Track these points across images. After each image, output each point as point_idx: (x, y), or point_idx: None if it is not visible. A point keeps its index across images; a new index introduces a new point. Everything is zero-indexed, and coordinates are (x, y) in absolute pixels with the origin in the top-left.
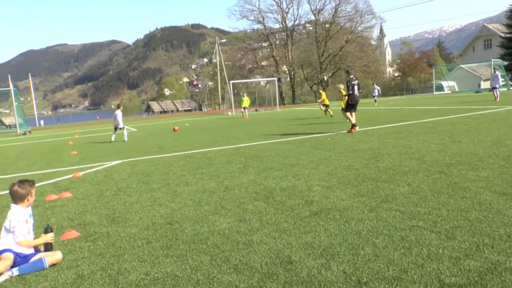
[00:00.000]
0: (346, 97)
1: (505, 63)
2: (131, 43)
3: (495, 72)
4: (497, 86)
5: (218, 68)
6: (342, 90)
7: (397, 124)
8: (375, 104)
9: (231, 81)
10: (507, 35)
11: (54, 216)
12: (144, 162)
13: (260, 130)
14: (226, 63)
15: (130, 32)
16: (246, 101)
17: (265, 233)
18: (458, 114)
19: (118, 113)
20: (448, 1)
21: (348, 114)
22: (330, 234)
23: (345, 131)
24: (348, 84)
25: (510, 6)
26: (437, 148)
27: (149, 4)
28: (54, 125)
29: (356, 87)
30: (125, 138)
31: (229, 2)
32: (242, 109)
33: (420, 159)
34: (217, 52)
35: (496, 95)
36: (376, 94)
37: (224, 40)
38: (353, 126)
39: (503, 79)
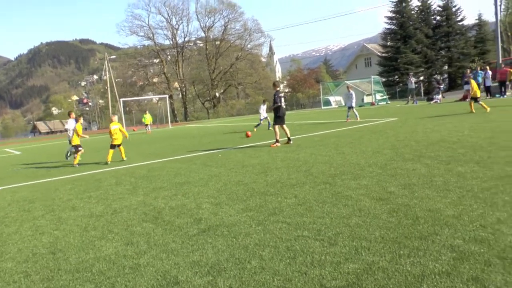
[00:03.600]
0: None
1: (383, 79)
2: (13, 59)
3: (349, 91)
4: (353, 105)
5: (109, 85)
6: (113, 123)
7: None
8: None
9: (122, 99)
10: (383, 54)
11: None
12: (27, 188)
13: (152, 149)
14: (116, 80)
15: (12, 47)
16: (148, 118)
17: (153, 255)
18: (343, 127)
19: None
20: (333, 22)
21: (277, 128)
22: (217, 251)
23: (237, 147)
24: (276, 96)
25: (384, 29)
26: (323, 160)
27: (32, 16)
28: None
29: (282, 99)
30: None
31: (118, 17)
32: (145, 126)
33: (307, 171)
34: (107, 69)
35: (348, 115)
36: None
37: (114, 56)
38: (277, 141)
39: (381, 94)
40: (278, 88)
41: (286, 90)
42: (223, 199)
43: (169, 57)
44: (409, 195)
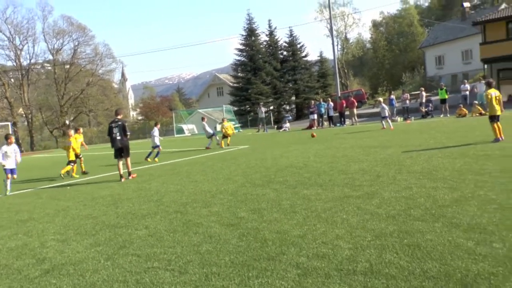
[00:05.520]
0: None
1: (235, 108)
2: None
3: (203, 120)
4: (213, 132)
5: None
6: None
7: (138, 168)
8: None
9: None
10: (234, 85)
11: None
12: None
13: None
14: None
15: None
16: None
17: None
18: (196, 155)
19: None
20: (185, 51)
21: (119, 163)
22: None
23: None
24: (109, 126)
25: (235, 60)
26: (175, 188)
27: None
28: None
29: (115, 129)
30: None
31: None
32: None
33: (159, 200)
34: None
35: (209, 144)
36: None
37: None
38: (121, 176)
39: (233, 122)
40: (118, 116)
41: (139, 117)
42: (70, 235)
43: (12, 80)
44: (259, 219)
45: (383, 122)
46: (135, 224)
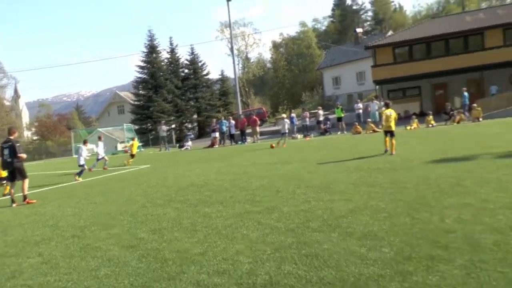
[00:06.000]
0: None
1: (136, 127)
2: None
3: (99, 139)
4: (102, 156)
5: None
6: None
7: (34, 191)
8: None
9: None
10: (136, 103)
11: None
12: None
13: None
14: None
15: None
16: None
17: None
18: (96, 176)
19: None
20: (85, 67)
21: (12, 186)
22: None
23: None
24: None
25: (136, 77)
26: (73, 212)
27: None
28: None
29: (6, 150)
30: None
31: None
32: None
33: (54, 225)
34: None
35: (98, 163)
36: None
37: None
38: (13, 201)
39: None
40: (11, 136)
41: (35, 137)
42: None
43: None
44: (159, 239)
45: (281, 138)
46: (27, 252)
